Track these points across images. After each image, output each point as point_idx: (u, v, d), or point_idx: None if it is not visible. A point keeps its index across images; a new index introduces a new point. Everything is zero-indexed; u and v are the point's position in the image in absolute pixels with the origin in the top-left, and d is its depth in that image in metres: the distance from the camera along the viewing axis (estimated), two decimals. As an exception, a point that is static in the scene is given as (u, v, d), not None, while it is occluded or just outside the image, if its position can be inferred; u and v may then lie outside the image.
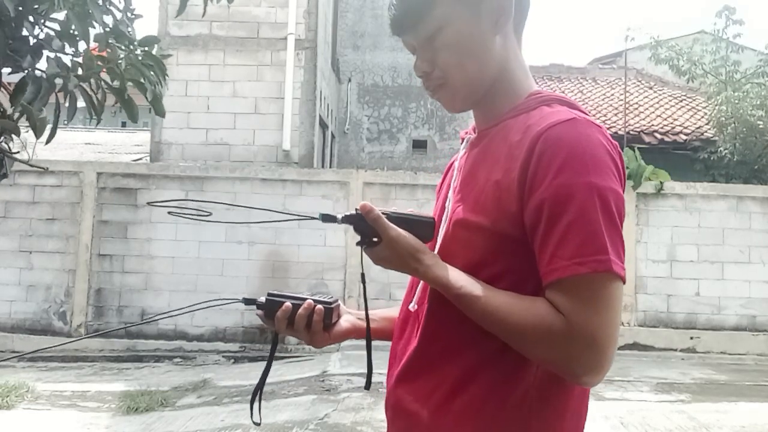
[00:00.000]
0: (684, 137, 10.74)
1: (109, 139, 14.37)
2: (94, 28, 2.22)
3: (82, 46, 2.24)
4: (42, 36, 2.20)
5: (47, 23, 2.24)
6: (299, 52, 8.66)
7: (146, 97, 2.30)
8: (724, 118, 9.28)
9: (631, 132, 10.69)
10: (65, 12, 2.14)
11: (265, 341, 7.16)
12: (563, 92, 12.53)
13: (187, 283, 7.32)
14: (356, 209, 1.05)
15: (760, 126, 9.09)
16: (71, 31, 2.15)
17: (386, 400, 1.15)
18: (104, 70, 2.23)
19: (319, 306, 1.13)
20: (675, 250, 7.48)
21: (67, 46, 2.22)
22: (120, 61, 2.24)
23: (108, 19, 2.29)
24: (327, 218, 1.09)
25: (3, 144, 2.23)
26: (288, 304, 1.12)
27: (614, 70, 14.47)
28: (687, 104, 12.33)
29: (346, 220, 1.06)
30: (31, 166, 2.45)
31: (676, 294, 7.44)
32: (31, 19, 2.15)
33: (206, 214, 1.19)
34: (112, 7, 2.31)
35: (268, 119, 8.59)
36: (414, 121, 12.25)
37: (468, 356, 1.02)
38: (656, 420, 4.76)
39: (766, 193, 7.62)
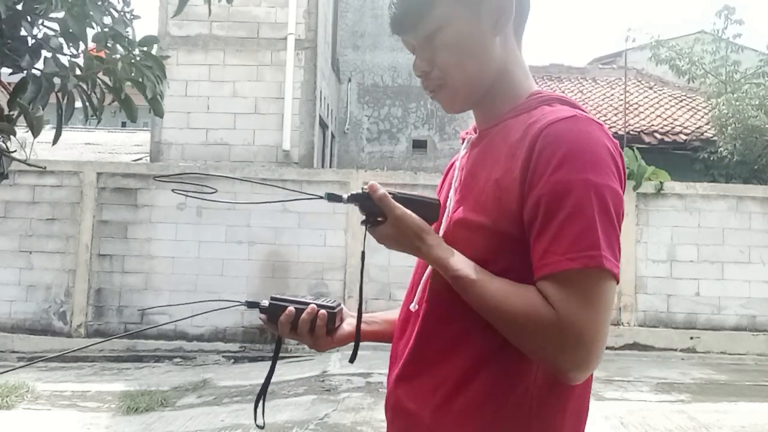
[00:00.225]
0: (684, 137, 10.73)
1: (109, 139, 14.37)
2: (93, 28, 2.22)
3: (81, 46, 2.24)
4: (40, 36, 2.20)
5: (45, 23, 2.23)
6: (299, 52, 8.66)
7: (145, 96, 2.30)
8: (724, 119, 9.28)
9: (631, 132, 10.68)
10: (63, 12, 2.13)
11: (265, 341, 7.16)
12: (563, 92, 12.52)
13: (187, 283, 7.32)
14: (362, 188, 1.05)
15: (760, 126, 9.09)
16: (70, 31, 2.15)
17: (386, 401, 1.15)
18: (102, 70, 2.23)
19: (322, 311, 1.13)
20: (675, 250, 7.48)
21: (65, 46, 2.21)
22: (117, 62, 2.23)
23: (107, 20, 2.28)
24: (332, 197, 1.09)
25: (1, 143, 2.23)
26: (291, 308, 1.12)
27: (614, 70, 14.47)
28: (687, 104, 12.33)
29: (352, 198, 1.06)
30: (29, 165, 2.44)
31: (676, 294, 7.44)
32: (29, 18, 2.14)
33: (211, 191, 1.19)
34: (110, 8, 2.31)
35: (268, 119, 8.59)
36: (414, 121, 12.25)
37: (467, 356, 1.02)
38: (656, 420, 4.76)
39: (766, 193, 7.62)
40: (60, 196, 7.50)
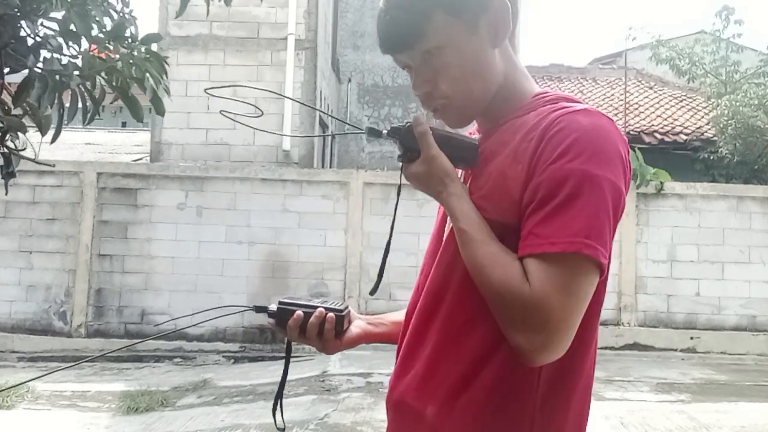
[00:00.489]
0: (684, 137, 10.73)
1: (109, 139, 14.38)
2: (93, 28, 2.22)
3: (82, 45, 2.24)
4: (41, 35, 2.20)
5: (45, 22, 2.23)
6: (299, 52, 8.67)
7: (146, 94, 2.30)
8: (724, 119, 9.28)
9: (632, 132, 10.68)
10: (63, 12, 2.13)
11: (265, 342, 7.15)
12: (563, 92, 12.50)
13: (187, 283, 7.32)
14: (407, 121, 1.06)
15: (760, 126, 9.09)
16: (70, 30, 2.15)
17: (387, 399, 1.15)
18: (104, 70, 2.23)
19: (331, 314, 1.13)
20: (675, 250, 7.48)
21: (65, 46, 2.22)
22: (118, 61, 2.23)
23: (107, 20, 2.28)
24: (372, 132, 1.11)
25: (9, 143, 2.23)
26: (299, 312, 1.12)
27: (614, 70, 14.46)
28: (687, 104, 12.32)
29: (393, 132, 1.07)
30: (38, 163, 2.45)
31: (676, 294, 7.44)
32: (29, 18, 2.14)
33: (258, 115, 1.21)
34: (111, 9, 2.31)
35: (268, 119, 8.58)
36: (414, 121, 12.24)
37: (468, 354, 1.02)
38: (656, 420, 4.76)
39: (766, 193, 7.62)
40: (60, 196, 7.50)
